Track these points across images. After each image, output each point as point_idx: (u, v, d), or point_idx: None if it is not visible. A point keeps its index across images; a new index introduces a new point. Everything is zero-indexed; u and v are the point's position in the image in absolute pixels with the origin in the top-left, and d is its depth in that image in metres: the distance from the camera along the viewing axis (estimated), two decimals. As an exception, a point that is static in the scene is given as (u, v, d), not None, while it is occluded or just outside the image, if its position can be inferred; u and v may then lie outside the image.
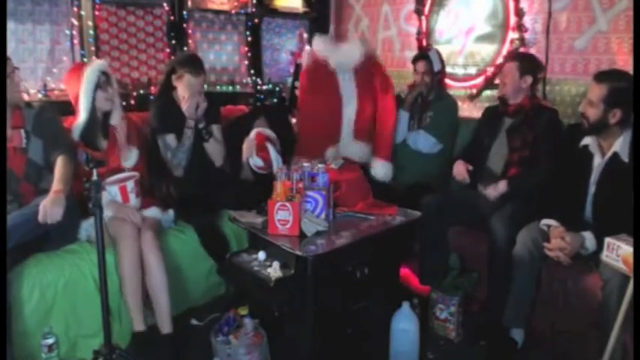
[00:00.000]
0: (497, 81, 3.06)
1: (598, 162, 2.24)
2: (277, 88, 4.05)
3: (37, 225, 2.03)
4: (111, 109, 2.57)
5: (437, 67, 3.12)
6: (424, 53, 3.18)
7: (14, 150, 2.24)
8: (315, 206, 2.25)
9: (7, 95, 2.19)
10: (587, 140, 2.27)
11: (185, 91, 2.70)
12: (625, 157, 2.16)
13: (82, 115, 2.49)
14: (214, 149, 2.82)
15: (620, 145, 2.17)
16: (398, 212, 2.43)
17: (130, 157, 2.57)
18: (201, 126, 2.73)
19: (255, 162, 2.74)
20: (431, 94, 3.16)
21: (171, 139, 2.73)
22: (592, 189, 2.25)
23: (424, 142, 3.10)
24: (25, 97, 2.35)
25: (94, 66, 2.53)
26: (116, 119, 2.60)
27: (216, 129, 2.85)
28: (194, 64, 2.72)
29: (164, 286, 2.27)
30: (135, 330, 2.23)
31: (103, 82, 2.51)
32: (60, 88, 3.13)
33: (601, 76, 2.17)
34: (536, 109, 2.62)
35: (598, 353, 1.87)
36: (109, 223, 2.24)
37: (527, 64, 2.66)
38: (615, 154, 2.18)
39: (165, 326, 2.27)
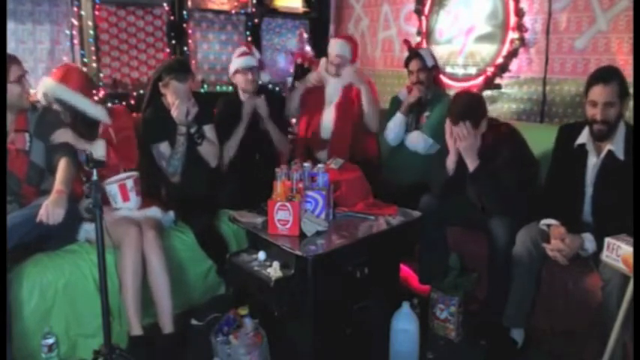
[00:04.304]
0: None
1: (594, 162, 2.24)
2: (277, 88, 4.06)
3: (37, 225, 2.02)
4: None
5: (430, 62, 3.11)
6: (415, 52, 3.19)
7: (17, 152, 2.24)
8: (315, 206, 2.25)
9: (16, 101, 2.18)
10: (583, 139, 2.27)
11: (173, 97, 2.63)
12: (620, 155, 2.16)
13: None
14: (208, 151, 2.80)
15: (615, 142, 2.17)
16: (398, 212, 2.43)
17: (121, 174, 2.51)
18: (192, 130, 2.70)
19: None
20: (428, 94, 3.16)
21: (164, 147, 2.70)
22: (589, 189, 2.25)
23: (421, 143, 3.09)
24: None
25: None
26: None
27: (208, 129, 2.82)
28: (180, 70, 2.65)
29: (166, 286, 2.27)
30: (132, 334, 2.21)
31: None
32: (60, 88, 3.13)
33: (605, 76, 2.13)
34: None
35: (598, 353, 1.87)
36: (110, 227, 2.15)
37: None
38: (610, 152, 2.18)
39: (167, 326, 2.26)
